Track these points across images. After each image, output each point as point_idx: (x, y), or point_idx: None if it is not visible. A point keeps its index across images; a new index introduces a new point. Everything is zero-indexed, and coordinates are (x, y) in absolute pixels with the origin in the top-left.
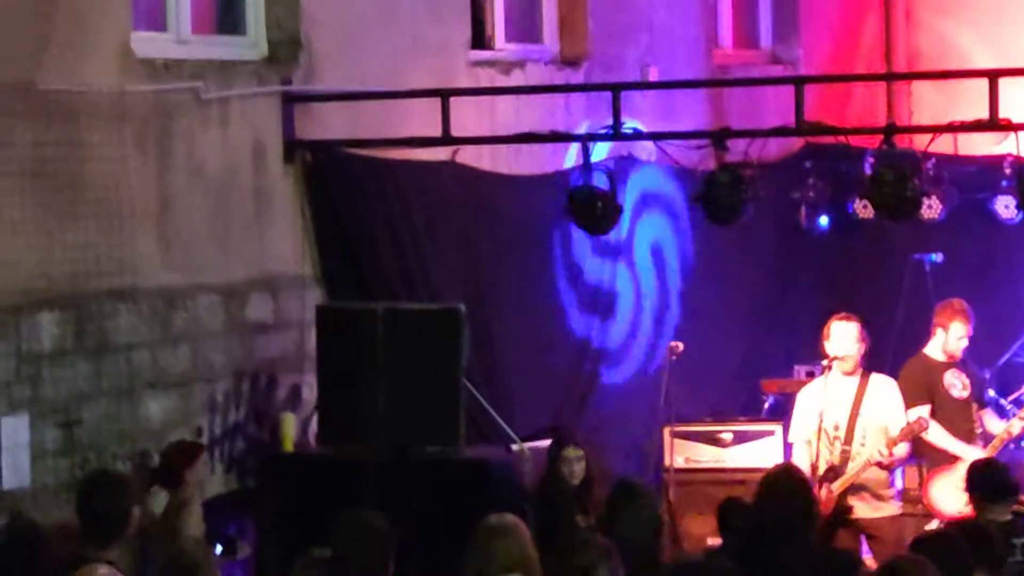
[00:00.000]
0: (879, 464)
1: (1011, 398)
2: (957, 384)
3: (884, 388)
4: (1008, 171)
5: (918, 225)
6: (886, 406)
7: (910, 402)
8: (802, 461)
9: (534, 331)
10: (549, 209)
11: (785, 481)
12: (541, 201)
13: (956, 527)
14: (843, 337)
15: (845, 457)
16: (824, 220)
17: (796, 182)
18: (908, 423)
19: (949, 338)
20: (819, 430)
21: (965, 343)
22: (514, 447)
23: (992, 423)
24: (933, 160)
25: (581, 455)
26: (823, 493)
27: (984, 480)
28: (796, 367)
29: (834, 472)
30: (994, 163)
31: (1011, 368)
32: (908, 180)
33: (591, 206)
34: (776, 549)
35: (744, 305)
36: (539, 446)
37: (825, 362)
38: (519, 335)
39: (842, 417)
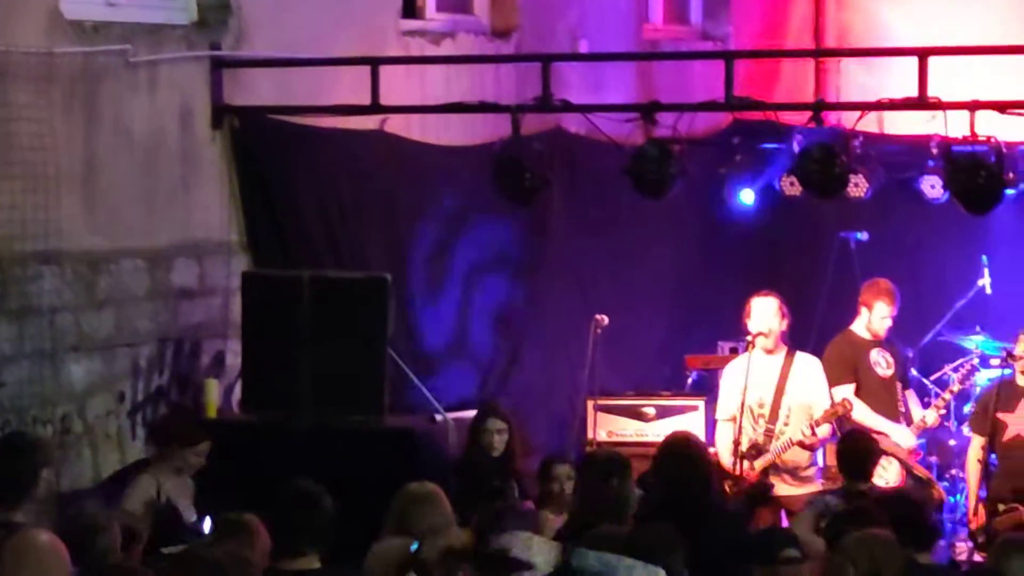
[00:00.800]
0: (802, 444)
1: (934, 377)
2: (881, 362)
3: (809, 367)
4: (935, 151)
5: (844, 203)
6: (810, 386)
7: (835, 379)
8: (725, 437)
9: (459, 302)
10: (476, 180)
11: (677, 448)
12: (469, 171)
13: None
14: (763, 313)
15: (769, 435)
16: (751, 196)
17: (723, 158)
18: (832, 405)
19: (874, 317)
20: (742, 407)
21: (889, 322)
22: (438, 417)
23: (915, 408)
24: (860, 138)
25: (504, 427)
26: (745, 470)
27: (848, 457)
28: (720, 343)
29: (757, 450)
30: (921, 143)
31: (935, 347)
32: (836, 158)
33: (518, 178)
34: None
35: (669, 280)
36: (462, 416)
37: (749, 338)
38: (444, 305)
39: (767, 395)
